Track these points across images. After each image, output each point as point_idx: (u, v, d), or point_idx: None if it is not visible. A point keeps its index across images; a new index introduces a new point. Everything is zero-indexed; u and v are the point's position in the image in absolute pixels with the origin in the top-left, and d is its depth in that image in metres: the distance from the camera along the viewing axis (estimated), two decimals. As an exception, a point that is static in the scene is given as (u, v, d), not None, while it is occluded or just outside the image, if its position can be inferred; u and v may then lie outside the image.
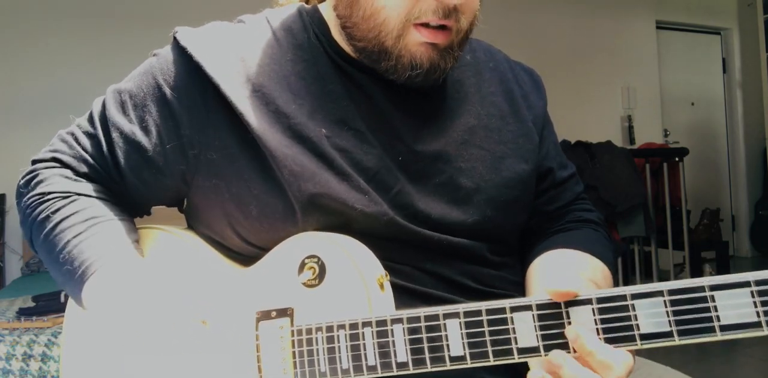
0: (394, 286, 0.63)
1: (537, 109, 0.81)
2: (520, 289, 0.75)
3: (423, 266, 0.69)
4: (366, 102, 0.70)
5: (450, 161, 0.71)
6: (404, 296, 0.65)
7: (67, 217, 0.69)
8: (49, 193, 0.71)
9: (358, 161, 0.67)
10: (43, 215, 0.70)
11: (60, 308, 1.87)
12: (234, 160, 0.67)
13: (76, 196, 0.71)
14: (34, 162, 0.76)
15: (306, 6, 0.76)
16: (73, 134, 0.75)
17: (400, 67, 0.66)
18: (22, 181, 0.75)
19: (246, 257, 0.71)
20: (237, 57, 0.68)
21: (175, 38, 0.70)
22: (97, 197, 0.72)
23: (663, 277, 3.94)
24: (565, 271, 0.70)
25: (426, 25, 0.64)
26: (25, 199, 0.73)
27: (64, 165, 0.74)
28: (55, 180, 0.72)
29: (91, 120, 0.74)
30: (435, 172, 0.71)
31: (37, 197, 0.72)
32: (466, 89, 0.77)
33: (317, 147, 0.66)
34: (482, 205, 0.72)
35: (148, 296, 0.64)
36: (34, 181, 0.73)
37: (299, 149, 0.65)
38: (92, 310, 0.66)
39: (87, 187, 0.73)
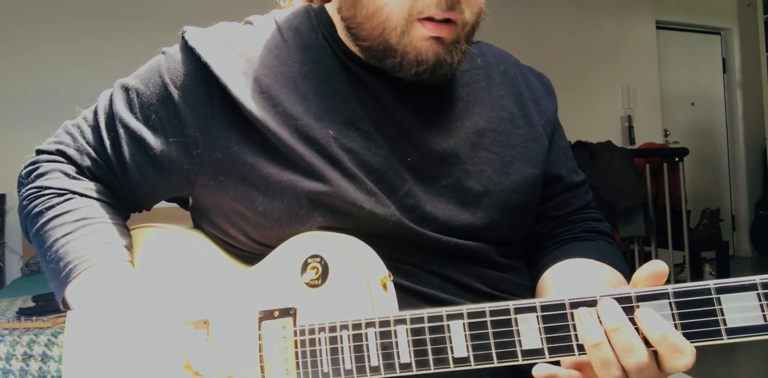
0: (399, 287, 0.63)
1: (548, 113, 0.81)
2: (527, 293, 0.75)
3: (430, 268, 0.68)
4: (374, 103, 0.70)
5: (458, 164, 0.71)
6: (410, 298, 0.65)
7: (59, 215, 0.69)
8: (47, 187, 0.72)
9: (365, 162, 0.67)
10: (37, 210, 0.71)
11: (60, 308, 1.86)
12: (239, 159, 0.66)
13: (72, 195, 0.72)
14: (38, 152, 0.76)
15: (313, 6, 0.76)
16: (78, 127, 0.75)
17: (405, 64, 0.65)
18: (23, 171, 0.76)
19: (251, 255, 0.71)
20: (245, 58, 0.68)
21: (183, 38, 0.70)
22: (93, 198, 0.73)
23: (663, 277, 3.93)
24: (595, 280, 0.69)
25: (430, 19, 0.64)
26: (23, 189, 0.74)
27: (67, 158, 0.74)
28: (54, 175, 0.73)
29: (97, 114, 0.74)
30: (443, 174, 0.70)
31: (35, 190, 0.72)
32: (476, 92, 0.76)
33: (324, 148, 0.66)
34: (490, 208, 0.71)
35: (132, 299, 0.64)
36: (35, 173, 0.74)
37: (306, 150, 0.65)
38: (75, 311, 0.67)
39: (85, 186, 0.73)
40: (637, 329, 0.48)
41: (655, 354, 0.48)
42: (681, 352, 0.47)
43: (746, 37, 5.09)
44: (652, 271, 0.49)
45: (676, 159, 3.89)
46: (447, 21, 0.64)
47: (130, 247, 0.72)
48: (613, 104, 4.71)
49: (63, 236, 0.68)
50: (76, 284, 0.66)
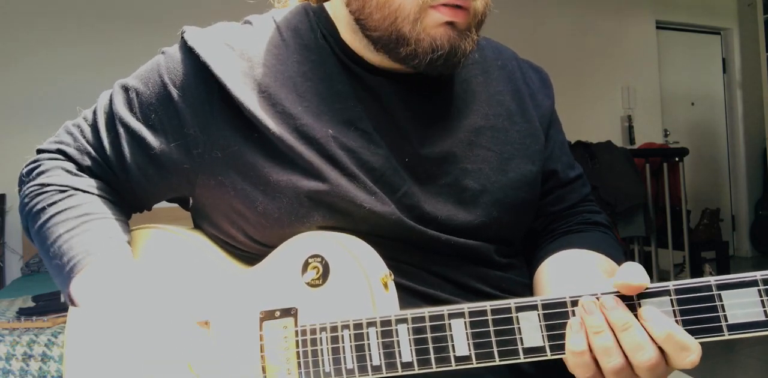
0: (400, 286, 0.63)
1: (544, 108, 0.81)
2: (528, 291, 0.75)
3: (430, 268, 0.68)
4: (373, 102, 0.70)
5: (456, 162, 0.71)
6: (410, 297, 0.65)
7: (62, 211, 0.70)
8: (48, 184, 0.72)
9: (364, 162, 0.67)
10: (39, 207, 0.71)
11: (60, 308, 1.87)
12: (239, 158, 0.67)
13: (74, 191, 0.72)
14: (39, 152, 0.77)
15: (312, 5, 0.76)
16: (78, 126, 0.75)
17: (420, 51, 0.65)
18: (24, 170, 0.76)
19: (252, 255, 0.71)
20: (244, 58, 0.68)
21: (183, 38, 0.70)
22: (95, 194, 0.73)
23: (663, 277, 3.94)
24: (590, 270, 0.69)
25: (443, 5, 0.64)
26: (25, 187, 0.74)
27: (68, 157, 0.74)
28: (55, 172, 0.73)
29: (96, 114, 0.74)
30: (441, 174, 0.70)
31: (37, 188, 0.72)
32: (473, 88, 0.76)
33: (324, 148, 0.66)
34: (488, 206, 0.71)
35: (136, 295, 0.64)
36: (36, 170, 0.74)
37: (306, 149, 0.65)
38: (81, 306, 0.67)
39: (86, 183, 0.73)
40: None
41: (661, 351, 0.48)
42: (687, 350, 0.47)
43: (746, 37, 5.09)
44: (628, 284, 0.48)
45: (676, 159, 3.89)
46: (459, 7, 0.64)
47: (131, 244, 0.72)
48: (613, 104, 4.71)
49: (66, 232, 0.68)
50: (80, 278, 0.66)
